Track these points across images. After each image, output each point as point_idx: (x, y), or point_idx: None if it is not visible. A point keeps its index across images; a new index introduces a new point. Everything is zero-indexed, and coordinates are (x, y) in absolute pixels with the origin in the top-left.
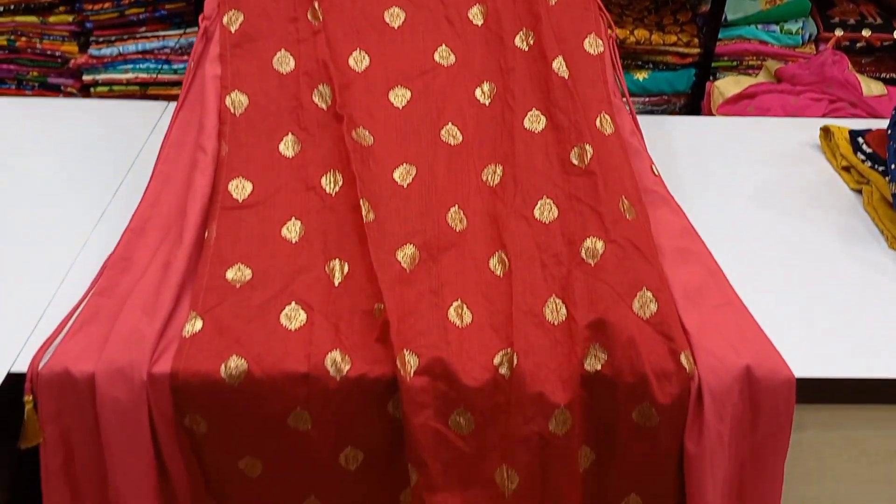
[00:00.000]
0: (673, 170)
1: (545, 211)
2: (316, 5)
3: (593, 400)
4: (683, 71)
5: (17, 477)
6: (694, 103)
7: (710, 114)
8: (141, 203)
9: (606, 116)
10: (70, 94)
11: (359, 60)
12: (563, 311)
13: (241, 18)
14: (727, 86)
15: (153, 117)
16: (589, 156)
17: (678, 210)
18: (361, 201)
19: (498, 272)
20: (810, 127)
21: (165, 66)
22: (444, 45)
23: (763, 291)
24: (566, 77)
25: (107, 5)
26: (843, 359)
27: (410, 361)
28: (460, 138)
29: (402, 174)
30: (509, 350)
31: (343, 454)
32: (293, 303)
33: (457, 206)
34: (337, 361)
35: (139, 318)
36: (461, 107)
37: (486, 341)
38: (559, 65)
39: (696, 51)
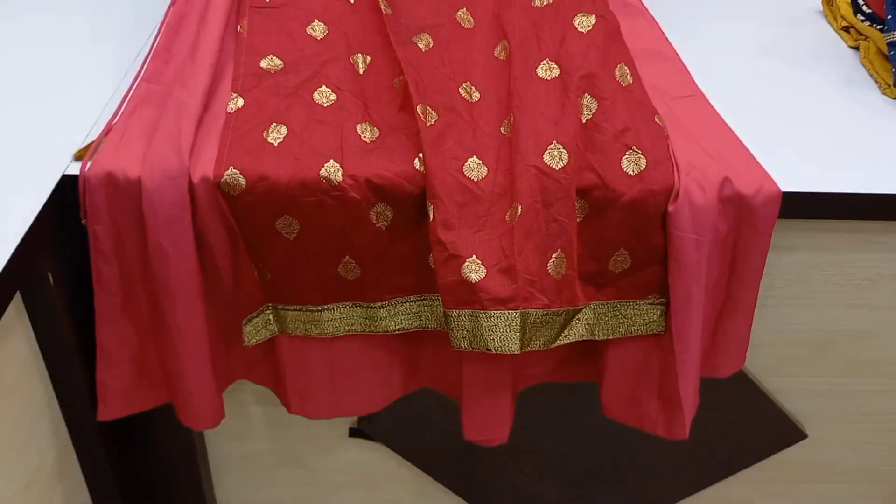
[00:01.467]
0: (675, 26)
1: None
2: None
3: (586, 147)
4: None
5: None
6: None
7: None
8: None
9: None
10: None
11: (385, 6)
12: (556, 71)
13: None
14: None
15: None
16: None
17: (653, 22)
18: (380, 2)
19: (501, 57)
20: None
21: None
22: (464, 8)
23: (757, 121)
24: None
25: None
26: (833, 177)
27: (430, 112)
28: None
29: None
30: (511, 117)
31: (374, 211)
32: (323, 86)
33: (465, 8)
34: (366, 130)
35: (179, 110)
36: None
37: (492, 111)
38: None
39: None
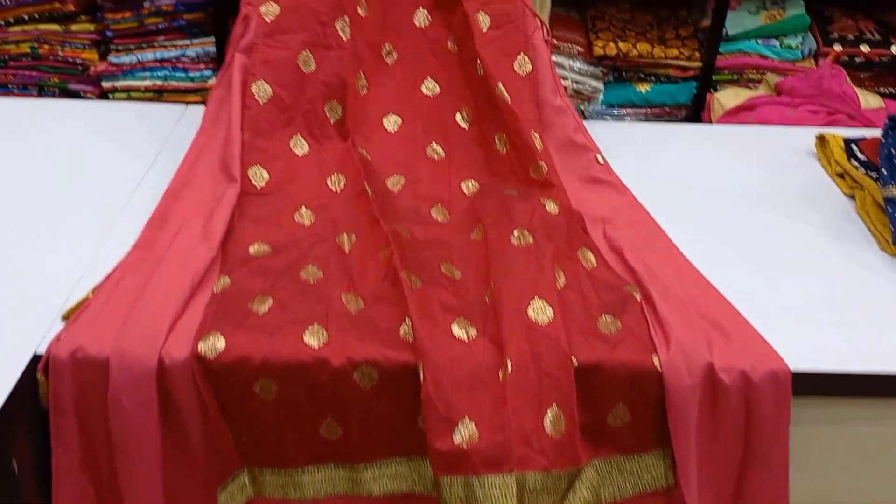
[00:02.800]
0: (670, 173)
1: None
2: (346, 19)
3: (564, 309)
4: (685, 84)
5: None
6: (695, 115)
7: (709, 121)
8: (179, 168)
9: (535, 134)
10: (89, 101)
11: (363, 86)
12: (530, 238)
13: (277, 10)
14: (727, 98)
15: (172, 119)
16: (544, 171)
17: (625, 190)
18: (365, 184)
19: (478, 238)
20: (806, 135)
21: (182, 74)
22: (428, 77)
23: (755, 287)
24: (508, 101)
25: (127, 15)
26: (835, 353)
27: (414, 278)
28: (443, 154)
29: (394, 181)
30: (492, 284)
31: (358, 372)
32: (310, 265)
33: (439, 204)
34: (351, 301)
35: (166, 286)
36: (445, 133)
37: (473, 283)
38: (500, 90)
39: (697, 64)
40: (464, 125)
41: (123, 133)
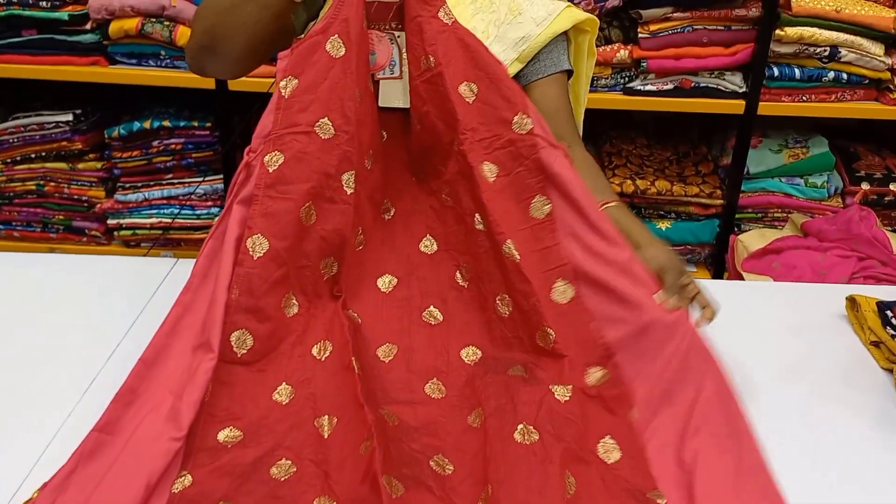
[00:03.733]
0: None
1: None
2: (353, 172)
3: None
4: (707, 222)
5: None
6: (719, 255)
7: (734, 268)
8: (158, 332)
9: (560, 284)
10: (94, 238)
11: (360, 242)
12: (535, 436)
13: (281, 160)
14: (751, 240)
15: (160, 273)
16: (552, 339)
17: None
18: (353, 360)
19: (476, 425)
20: (837, 295)
21: (189, 211)
22: (428, 235)
23: (790, 476)
24: (517, 259)
25: (135, 153)
26: None
27: (396, 484)
28: (441, 318)
29: (386, 351)
30: (489, 489)
31: None
32: (283, 458)
33: (436, 377)
34: None
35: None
36: (443, 293)
37: (467, 485)
38: (509, 247)
39: (719, 202)
40: (462, 284)
41: (105, 290)
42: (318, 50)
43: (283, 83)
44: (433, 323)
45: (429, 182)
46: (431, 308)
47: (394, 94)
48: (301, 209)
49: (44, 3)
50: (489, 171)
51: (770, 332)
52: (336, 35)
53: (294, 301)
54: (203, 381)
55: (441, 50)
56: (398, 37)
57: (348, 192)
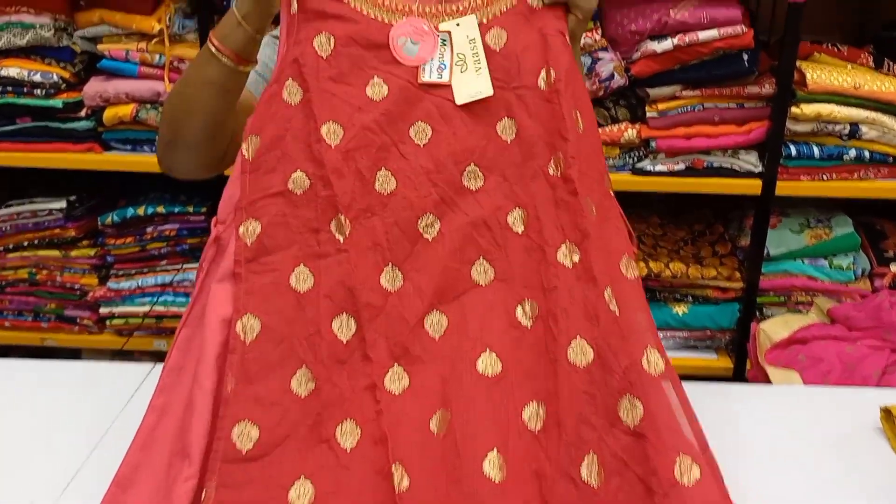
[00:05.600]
0: (717, 447)
1: (592, 472)
2: (342, 218)
3: None
4: (726, 305)
5: None
6: (740, 340)
7: (757, 359)
8: (131, 446)
9: (653, 351)
10: (85, 327)
11: (392, 279)
12: None
13: (258, 229)
14: (775, 328)
15: (135, 381)
16: (639, 414)
17: None
18: (394, 467)
19: None
20: (870, 404)
21: (183, 299)
22: (481, 258)
23: None
24: (617, 313)
25: (129, 240)
26: None
27: None
28: (499, 368)
29: (438, 421)
30: None
31: None
32: None
33: (495, 450)
34: None
35: None
36: (501, 330)
37: None
38: (610, 296)
39: (738, 285)
40: (525, 323)
41: (71, 402)
42: (274, 101)
43: (244, 145)
44: (489, 376)
45: (491, 196)
46: (488, 354)
47: (469, 89)
48: (291, 277)
49: (38, 91)
50: (590, 207)
51: (798, 445)
52: (290, 79)
53: (306, 377)
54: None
55: (563, 69)
56: (451, 33)
57: (341, 240)
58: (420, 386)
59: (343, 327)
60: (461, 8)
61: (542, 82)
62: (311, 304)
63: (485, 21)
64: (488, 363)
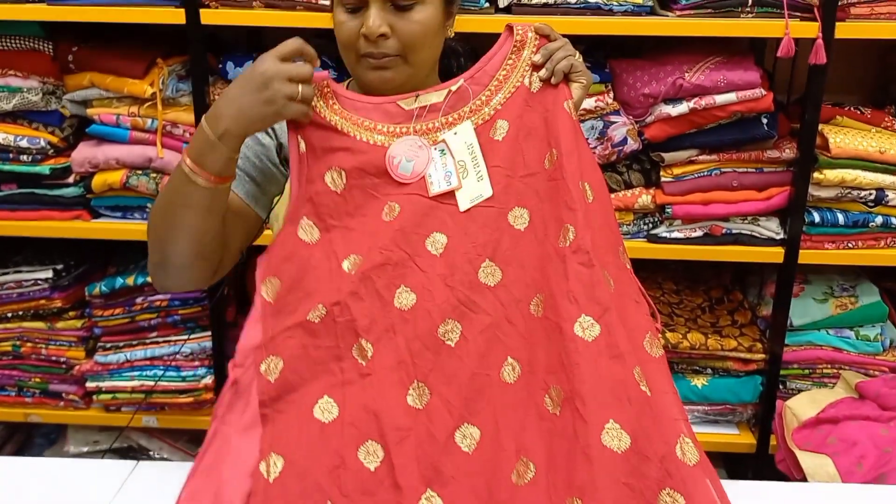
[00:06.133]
0: None
1: None
2: (363, 342)
3: None
4: (748, 378)
5: None
6: (764, 415)
7: (784, 438)
8: None
9: (688, 440)
10: (71, 402)
11: (419, 396)
12: None
13: (280, 365)
14: (802, 406)
15: (118, 480)
16: None
17: None
18: None
19: None
20: None
21: (174, 373)
22: (509, 358)
23: None
24: (648, 394)
25: (118, 311)
26: None
27: None
28: (533, 471)
29: None
30: None
31: None
32: None
33: None
34: None
35: None
36: (533, 427)
37: None
38: (640, 376)
39: (760, 356)
40: (554, 411)
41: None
42: (290, 240)
43: (263, 287)
44: (525, 482)
45: (510, 289)
46: (524, 460)
47: (471, 194)
48: (315, 409)
49: (24, 158)
50: (607, 279)
51: None
52: (304, 217)
53: None
54: None
55: (567, 143)
56: (447, 142)
57: (363, 364)
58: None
59: (370, 455)
60: (458, 116)
61: (547, 163)
62: (335, 434)
63: (483, 121)
64: (522, 470)
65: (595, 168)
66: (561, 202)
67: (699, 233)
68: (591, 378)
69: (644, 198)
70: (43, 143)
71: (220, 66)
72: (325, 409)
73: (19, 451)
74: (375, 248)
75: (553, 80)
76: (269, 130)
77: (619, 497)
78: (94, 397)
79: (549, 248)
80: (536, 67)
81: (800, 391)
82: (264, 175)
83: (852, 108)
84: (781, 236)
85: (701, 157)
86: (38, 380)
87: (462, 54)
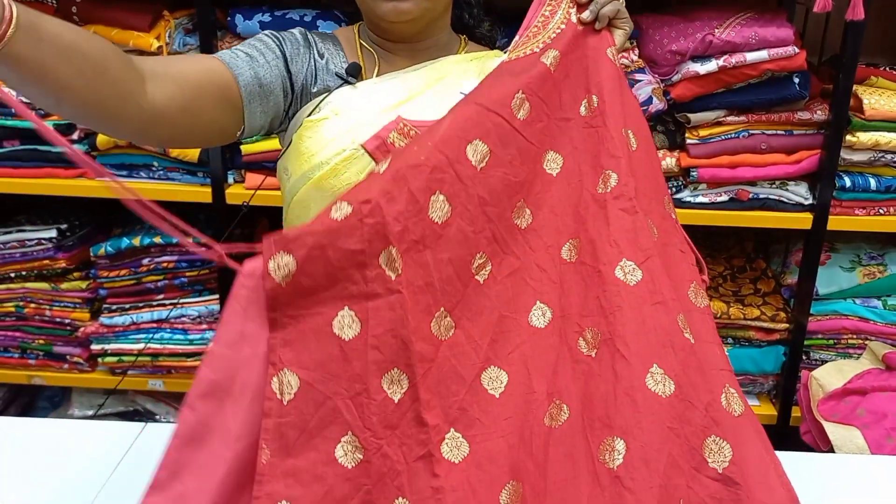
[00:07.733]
0: None
1: None
2: (393, 250)
3: None
4: (770, 348)
5: None
6: (787, 386)
7: (810, 410)
8: None
9: (732, 391)
10: (76, 365)
11: (442, 326)
12: None
13: (293, 265)
14: (828, 377)
15: (127, 441)
16: (727, 457)
17: None
18: None
19: None
20: None
21: (181, 336)
22: (538, 302)
23: None
24: (692, 342)
25: (123, 272)
26: None
27: None
28: (567, 413)
29: (510, 495)
30: None
31: None
32: None
33: None
34: None
35: None
36: (566, 371)
37: None
38: (684, 323)
39: (783, 326)
40: (589, 353)
41: (59, 465)
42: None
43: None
44: (560, 424)
45: (541, 235)
46: (557, 404)
47: None
48: (334, 322)
49: None
50: (650, 226)
51: None
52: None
53: (353, 445)
54: None
55: (609, 90)
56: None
57: (393, 277)
58: (483, 454)
59: (394, 384)
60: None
61: (583, 109)
62: (357, 356)
63: (531, 51)
64: (555, 412)
65: (639, 116)
66: (602, 149)
67: (725, 197)
68: (634, 322)
69: (668, 160)
70: None
71: (229, 19)
72: (346, 325)
73: (22, 415)
74: (413, 146)
75: (597, 26)
76: (278, 46)
77: (664, 440)
78: (100, 360)
79: (585, 195)
80: (580, 7)
81: (824, 362)
82: (268, 85)
83: (888, 69)
84: (810, 202)
85: (729, 119)
86: (41, 342)
87: (474, 4)
